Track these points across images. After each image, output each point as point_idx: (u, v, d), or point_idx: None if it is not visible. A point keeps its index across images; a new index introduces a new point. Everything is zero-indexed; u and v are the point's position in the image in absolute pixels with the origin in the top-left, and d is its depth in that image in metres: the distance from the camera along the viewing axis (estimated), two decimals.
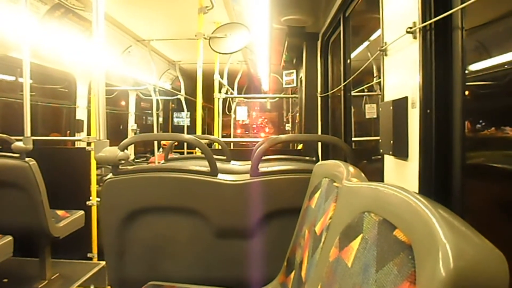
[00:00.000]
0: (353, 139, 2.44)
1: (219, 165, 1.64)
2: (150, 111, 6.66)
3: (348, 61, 2.32)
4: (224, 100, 5.56)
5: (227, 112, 7.26)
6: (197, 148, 2.27)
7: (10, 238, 2.12)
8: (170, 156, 2.78)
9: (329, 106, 3.16)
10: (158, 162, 4.50)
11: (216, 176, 1.59)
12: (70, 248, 2.90)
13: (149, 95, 5.23)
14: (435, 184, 1.00)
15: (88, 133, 3.97)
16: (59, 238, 2.56)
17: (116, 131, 5.94)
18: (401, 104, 1.11)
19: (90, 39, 3.28)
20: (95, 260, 3.09)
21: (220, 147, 2.98)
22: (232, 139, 7.00)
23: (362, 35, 3.03)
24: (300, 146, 4.20)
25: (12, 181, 2.42)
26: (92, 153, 2.99)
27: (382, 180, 1.30)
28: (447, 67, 1.01)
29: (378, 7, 1.35)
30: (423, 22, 1.01)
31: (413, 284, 0.51)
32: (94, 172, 3.08)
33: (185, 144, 5.48)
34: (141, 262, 1.61)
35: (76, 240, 2.81)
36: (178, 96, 5.90)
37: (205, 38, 3.16)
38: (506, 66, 1.27)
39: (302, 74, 3.79)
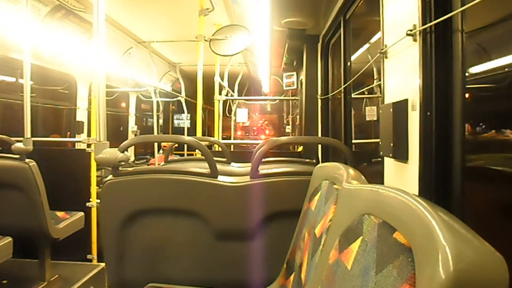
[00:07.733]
0: (353, 141, 2.44)
1: (219, 167, 1.64)
2: (150, 113, 6.67)
3: (349, 63, 2.32)
4: (225, 102, 5.57)
5: (228, 114, 7.27)
6: (197, 150, 2.27)
7: (9, 239, 2.12)
8: (170, 157, 2.78)
9: (329, 108, 3.16)
10: (158, 164, 4.50)
11: (216, 178, 1.59)
12: (70, 250, 2.89)
13: (150, 97, 5.24)
14: (435, 187, 1.00)
15: (88, 135, 3.98)
16: (59, 239, 2.56)
17: (116, 133, 5.94)
18: (401, 107, 1.11)
19: (90, 41, 3.29)
20: (94, 262, 3.08)
21: (220, 149, 2.97)
22: (232, 141, 6.99)
23: (362, 37, 3.03)
24: (300, 148, 4.20)
25: (12, 182, 2.41)
26: (92, 154, 2.98)
27: (382, 183, 1.30)
28: (447, 70, 1.01)
29: (379, 9, 1.35)
30: (423, 25, 1.01)
31: (412, 287, 0.51)
32: (94, 173, 3.08)
33: (185, 146, 5.48)
34: (141, 264, 1.61)
35: (76, 242, 2.80)
36: (179, 98, 5.91)
37: (205, 40, 3.16)
38: (506, 69, 1.27)
39: (303, 76, 3.79)
